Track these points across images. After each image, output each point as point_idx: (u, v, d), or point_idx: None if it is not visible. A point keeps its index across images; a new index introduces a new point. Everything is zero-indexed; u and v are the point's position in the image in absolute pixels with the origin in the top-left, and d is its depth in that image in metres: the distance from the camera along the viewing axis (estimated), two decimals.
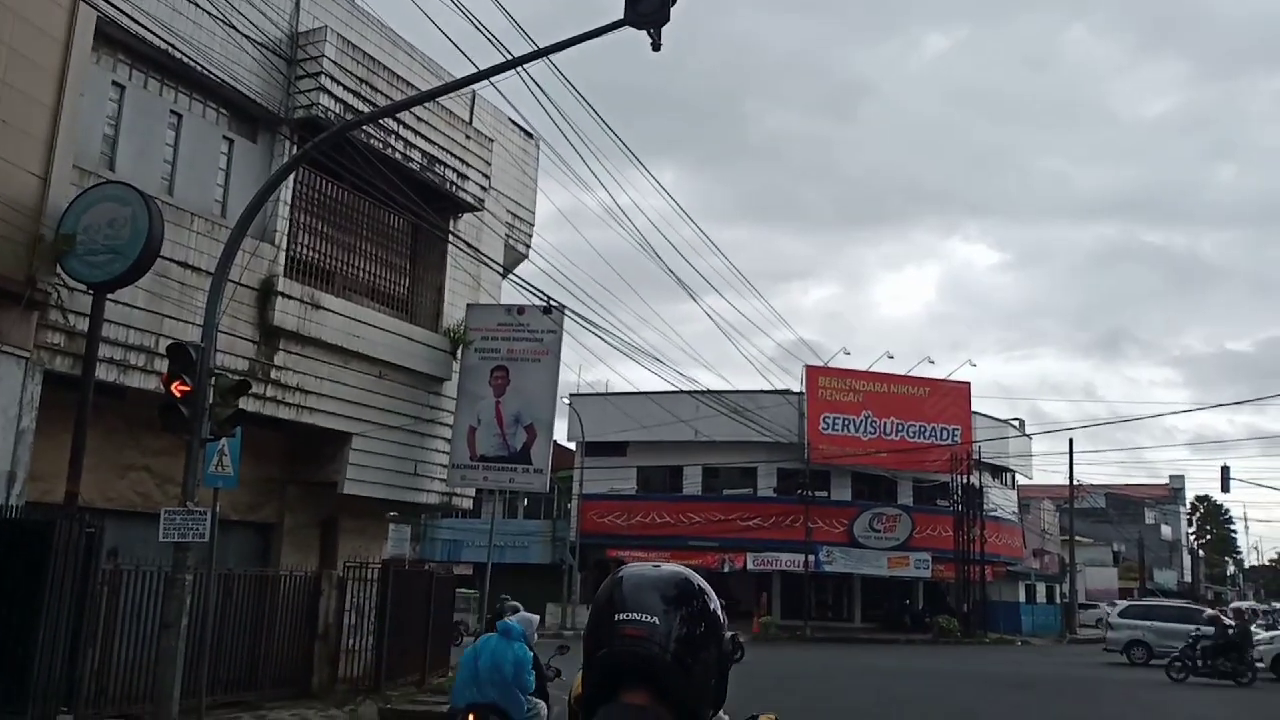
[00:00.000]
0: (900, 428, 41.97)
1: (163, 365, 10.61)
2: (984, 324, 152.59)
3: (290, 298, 13.59)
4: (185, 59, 12.07)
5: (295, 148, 13.24)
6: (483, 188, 16.95)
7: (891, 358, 48.77)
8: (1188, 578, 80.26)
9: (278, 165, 13.12)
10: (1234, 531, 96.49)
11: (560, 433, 43.41)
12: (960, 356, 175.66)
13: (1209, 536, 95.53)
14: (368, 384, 15.03)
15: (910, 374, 44.31)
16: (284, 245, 13.82)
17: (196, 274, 11.96)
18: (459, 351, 16.61)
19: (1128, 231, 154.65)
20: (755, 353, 50.24)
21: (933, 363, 49.59)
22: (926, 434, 42.14)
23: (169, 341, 10.59)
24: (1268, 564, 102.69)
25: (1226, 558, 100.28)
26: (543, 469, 16.47)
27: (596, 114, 20.67)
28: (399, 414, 15.66)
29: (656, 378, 66.97)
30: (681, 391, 33.76)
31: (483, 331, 16.68)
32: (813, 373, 41.98)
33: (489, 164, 17.08)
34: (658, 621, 1.57)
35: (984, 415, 45.33)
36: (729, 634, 1.69)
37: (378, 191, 14.26)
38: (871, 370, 43.62)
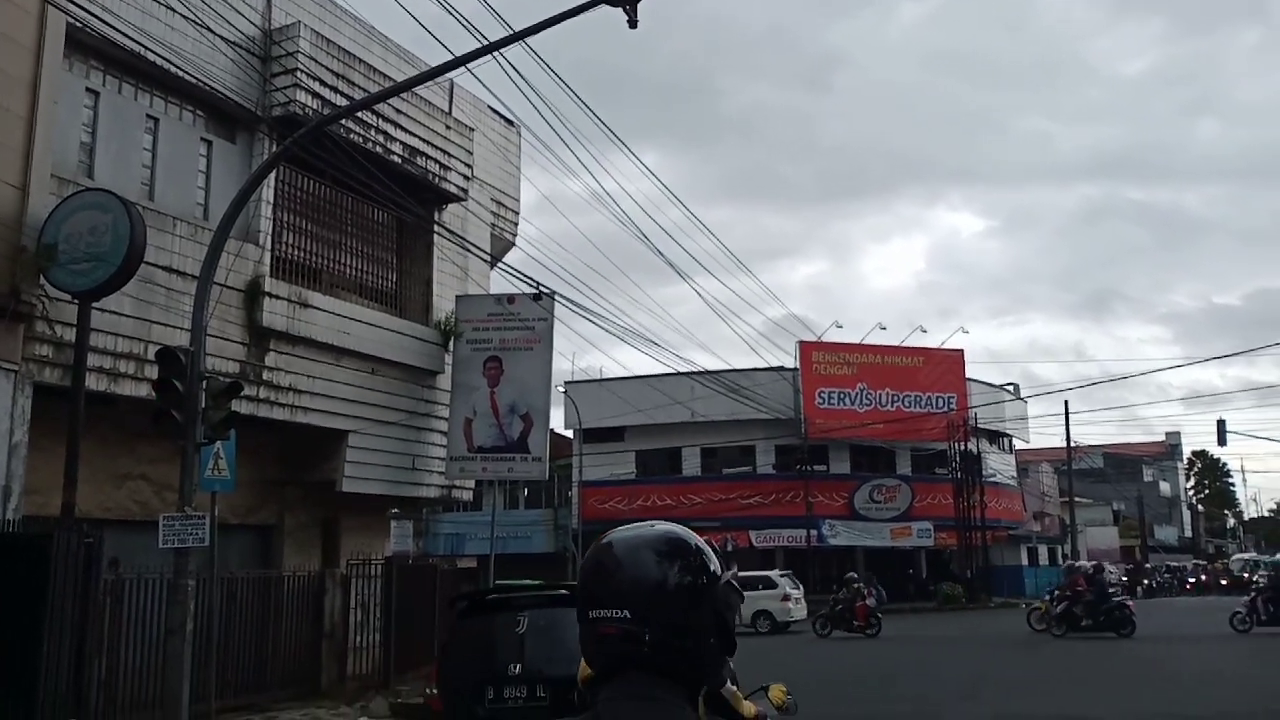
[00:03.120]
0: (896, 398, 42.02)
1: (153, 371, 10.55)
2: (973, 291, 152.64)
3: (278, 298, 13.51)
4: (159, 61, 11.94)
5: (275, 146, 13.14)
6: (466, 177, 16.86)
7: (884, 329, 49.09)
8: (1188, 533, 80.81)
9: (258, 165, 13.02)
10: (1232, 485, 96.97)
11: (557, 421, 43.44)
12: (951, 325, 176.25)
13: (1207, 491, 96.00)
14: (361, 381, 14.98)
15: (903, 344, 44.34)
16: (269, 245, 13.74)
17: (182, 278, 11.87)
18: (450, 344, 16.55)
19: (1111, 190, 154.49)
20: (748, 331, 50.38)
21: (925, 332, 49.49)
22: (922, 403, 42.21)
23: (158, 347, 10.53)
24: (1267, 515, 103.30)
25: (1226, 511, 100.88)
26: (541, 457, 16.45)
27: (578, 98, 20.52)
28: (394, 409, 15.62)
29: (651, 361, 67.04)
30: (677, 373, 33.79)
31: (473, 322, 16.62)
32: (806, 348, 41.99)
33: (471, 153, 16.99)
34: (629, 615, 1.53)
35: (978, 381, 45.41)
36: (726, 576, 1.63)
37: (360, 186, 14.17)
38: (864, 343, 43.63)
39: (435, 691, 8.28)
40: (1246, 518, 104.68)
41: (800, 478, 39.41)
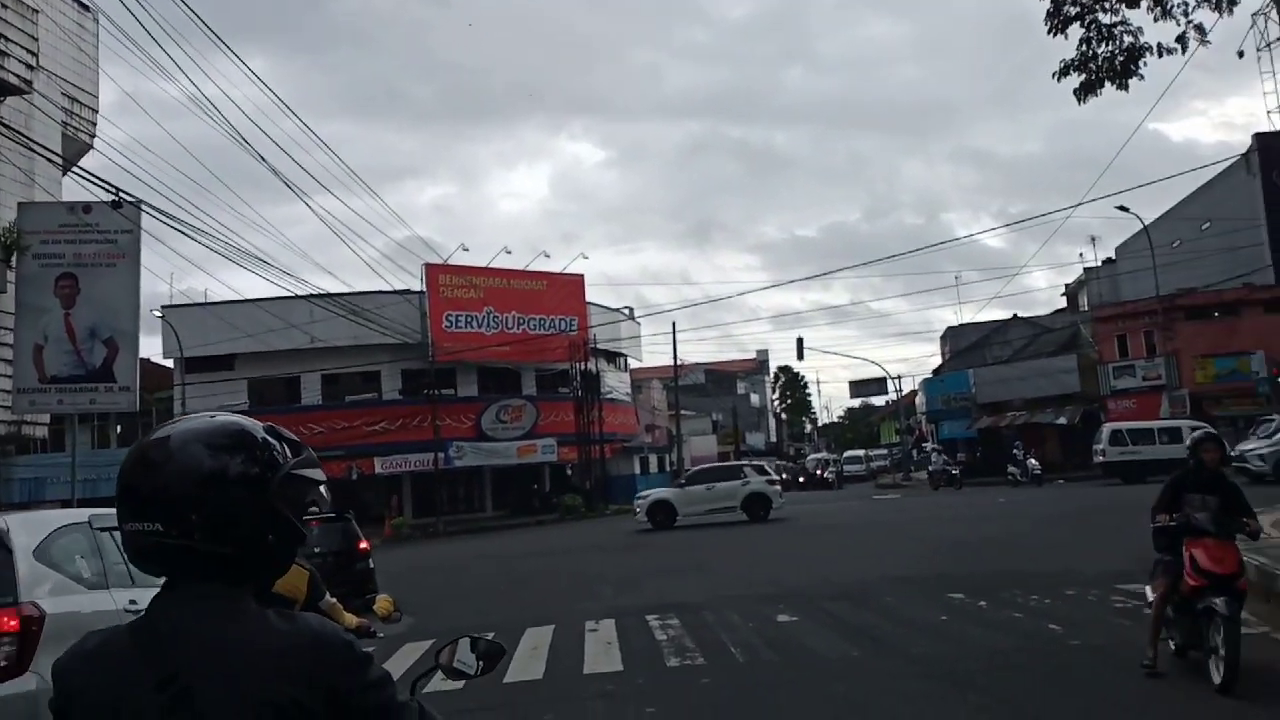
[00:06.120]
0: (521, 321, 43.00)
1: None
2: (593, 219, 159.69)
3: None
4: None
5: None
6: (29, 66, 14.58)
7: (509, 253, 50.20)
8: (774, 438, 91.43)
9: None
10: (809, 395, 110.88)
11: (155, 348, 39.69)
12: (574, 250, 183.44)
13: (789, 401, 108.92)
14: None
15: (528, 269, 45.34)
16: None
17: None
18: (13, 259, 14.40)
19: (713, 127, 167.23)
20: (372, 253, 48.78)
21: (548, 257, 51.67)
22: (546, 325, 43.57)
23: None
24: (836, 421, 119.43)
25: (804, 418, 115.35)
26: (130, 386, 14.92)
27: None
28: None
29: (265, 284, 62.89)
30: (293, 296, 31.99)
31: (41, 234, 14.55)
32: (433, 271, 41.57)
33: (35, 39, 14.69)
34: (160, 527, 1.44)
35: (597, 305, 47.70)
36: (287, 468, 1.53)
37: None
38: (491, 266, 44.03)
39: None
40: (820, 424, 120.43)
41: (428, 402, 39.28)
